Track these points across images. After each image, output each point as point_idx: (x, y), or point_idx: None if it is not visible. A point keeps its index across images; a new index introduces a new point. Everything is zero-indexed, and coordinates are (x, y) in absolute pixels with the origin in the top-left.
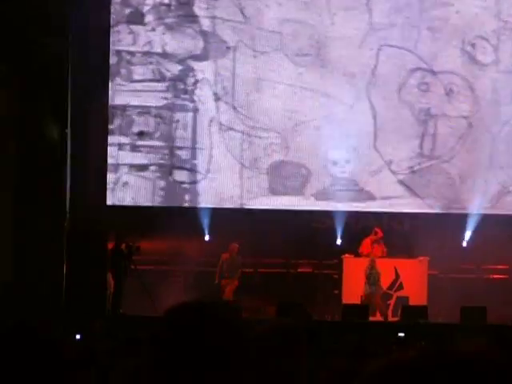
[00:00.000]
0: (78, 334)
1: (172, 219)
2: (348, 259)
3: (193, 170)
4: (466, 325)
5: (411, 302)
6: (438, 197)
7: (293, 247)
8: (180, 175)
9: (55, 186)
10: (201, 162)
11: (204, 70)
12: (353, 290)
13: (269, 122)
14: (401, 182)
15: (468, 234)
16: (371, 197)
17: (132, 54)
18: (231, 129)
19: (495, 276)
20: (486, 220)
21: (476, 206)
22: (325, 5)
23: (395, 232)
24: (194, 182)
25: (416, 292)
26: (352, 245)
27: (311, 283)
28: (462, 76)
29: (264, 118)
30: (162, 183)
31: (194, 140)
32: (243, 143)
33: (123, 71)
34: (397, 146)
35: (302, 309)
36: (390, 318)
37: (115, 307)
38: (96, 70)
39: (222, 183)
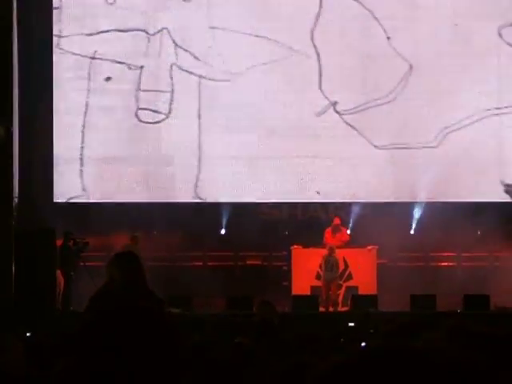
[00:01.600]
0: (28, 332)
1: (122, 214)
2: (297, 250)
3: (156, 111)
4: (416, 313)
5: (361, 292)
6: (382, 136)
7: (241, 239)
8: (145, 115)
9: (1, 184)
10: (162, 104)
11: (164, 19)
12: (302, 281)
13: (223, 67)
14: (346, 122)
15: (415, 222)
16: (317, 136)
17: (96, 6)
18: (191, 73)
19: (443, 263)
20: (432, 207)
21: (421, 144)
22: None
23: (343, 222)
24: (157, 122)
25: (365, 281)
26: (300, 236)
27: (260, 275)
28: (403, 19)
29: (219, 63)
30: (126, 125)
31: (156, 83)
32: (200, 86)
33: (88, 22)
34: (341, 89)
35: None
36: (340, 308)
37: (65, 305)
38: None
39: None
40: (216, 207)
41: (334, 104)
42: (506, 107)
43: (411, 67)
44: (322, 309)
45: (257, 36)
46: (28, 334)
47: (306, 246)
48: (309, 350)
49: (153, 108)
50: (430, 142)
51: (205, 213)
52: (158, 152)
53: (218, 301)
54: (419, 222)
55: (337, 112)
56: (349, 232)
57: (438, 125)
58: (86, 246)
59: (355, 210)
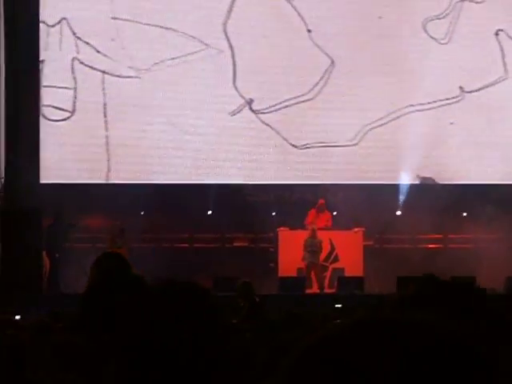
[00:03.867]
0: (17, 315)
1: (108, 195)
2: (283, 232)
3: (60, 109)
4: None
5: (347, 274)
6: (301, 136)
7: (227, 221)
8: (49, 113)
9: None
10: (66, 101)
11: (63, 8)
12: (289, 263)
13: (130, 62)
14: (262, 122)
15: (401, 204)
16: (232, 136)
17: None
18: (93, 68)
19: (430, 245)
20: (418, 189)
21: (340, 142)
22: None
23: (330, 203)
24: (62, 120)
25: (352, 263)
26: (287, 218)
27: (247, 257)
28: (325, 10)
29: (125, 59)
30: None
31: (58, 79)
32: (105, 82)
33: None
34: (257, 86)
35: (247, 284)
36: (327, 290)
37: (53, 286)
38: None
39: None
40: (203, 188)
41: (250, 102)
42: (428, 103)
43: (333, 62)
44: (308, 290)
45: (165, 28)
46: (17, 317)
47: (292, 227)
48: (296, 330)
49: (57, 105)
50: (351, 140)
51: (192, 194)
52: None
53: (205, 282)
54: (405, 203)
55: (252, 111)
56: (334, 213)
57: (358, 122)
58: (73, 227)
59: (342, 192)
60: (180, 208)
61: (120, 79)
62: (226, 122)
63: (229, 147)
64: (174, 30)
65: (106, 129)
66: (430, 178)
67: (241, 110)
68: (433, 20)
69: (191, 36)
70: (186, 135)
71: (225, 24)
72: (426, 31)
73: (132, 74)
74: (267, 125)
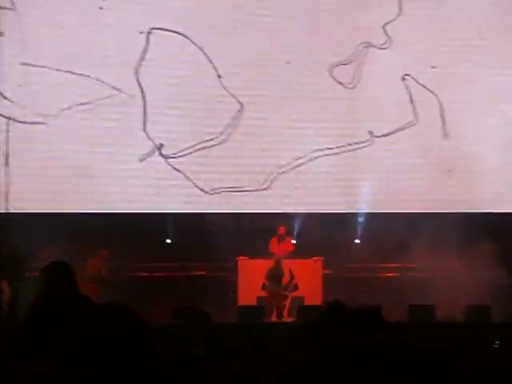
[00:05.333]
0: None
1: (65, 224)
2: (243, 261)
3: None
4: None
5: (306, 302)
6: (211, 180)
7: (186, 250)
8: None
9: None
10: None
11: None
12: (248, 292)
13: (36, 108)
14: (173, 167)
15: (360, 232)
16: (140, 183)
17: None
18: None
19: (389, 274)
20: (378, 217)
21: (252, 187)
22: None
23: (288, 232)
24: None
25: (311, 292)
26: (247, 246)
27: (206, 286)
28: (232, 59)
29: (31, 104)
30: None
31: None
32: (9, 128)
33: None
34: (167, 130)
35: (201, 312)
36: (286, 319)
37: (11, 316)
38: None
39: None
40: (161, 217)
41: (160, 147)
42: (338, 147)
43: (242, 107)
44: (268, 319)
45: (75, 74)
46: None
47: (252, 256)
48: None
49: None
50: (261, 185)
51: (150, 223)
52: None
53: (163, 311)
54: (365, 232)
55: (162, 156)
56: (294, 242)
57: (268, 167)
58: (33, 256)
59: (301, 220)
60: (138, 237)
61: (26, 126)
62: (136, 168)
63: (137, 196)
64: (85, 76)
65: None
66: None
67: (150, 155)
68: (338, 66)
69: (102, 81)
70: (93, 179)
71: (137, 69)
72: (332, 76)
73: (39, 119)
74: (177, 170)
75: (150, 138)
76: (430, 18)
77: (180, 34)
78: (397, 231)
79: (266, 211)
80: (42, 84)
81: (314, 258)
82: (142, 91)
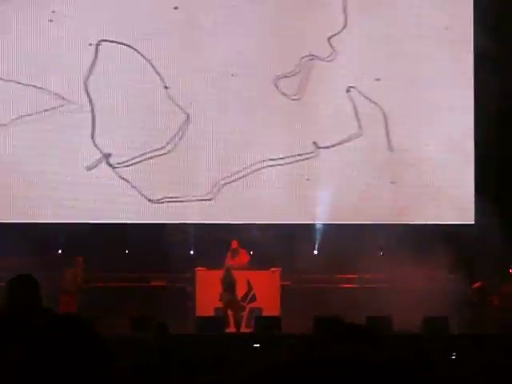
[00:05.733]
0: None
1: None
2: (201, 272)
3: None
4: (320, 334)
5: (264, 313)
6: (157, 190)
7: (144, 260)
8: None
9: None
10: None
11: None
12: (206, 303)
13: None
14: (120, 176)
15: (318, 243)
16: (88, 192)
17: None
18: None
19: (346, 285)
20: (334, 229)
21: (196, 196)
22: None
23: (247, 243)
24: None
25: (269, 303)
26: (205, 257)
27: (164, 297)
28: (181, 68)
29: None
30: None
31: None
32: None
33: None
34: (115, 140)
35: (160, 324)
36: (244, 329)
37: None
38: None
39: None
40: (121, 227)
41: (107, 156)
42: (281, 158)
43: (188, 117)
44: (226, 330)
45: (24, 84)
46: None
47: (210, 267)
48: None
49: None
50: (206, 195)
51: (109, 233)
52: None
53: (121, 321)
54: (322, 243)
55: (110, 165)
56: (251, 253)
57: (213, 177)
58: None
59: (259, 231)
60: (96, 246)
61: None
62: (83, 177)
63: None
64: (34, 86)
65: None
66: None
67: (98, 164)
68: (283, 77)
69: (52, 92)
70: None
71: (86, 80)
72: (277, 87)
73: None
74: (124, 179)
75: (97, 148)
76: (374, 30)
77: (128, 45)
78: (353, 242)
79: (210, 221)
80: None
81: (272, 269)
82: (91, 101)
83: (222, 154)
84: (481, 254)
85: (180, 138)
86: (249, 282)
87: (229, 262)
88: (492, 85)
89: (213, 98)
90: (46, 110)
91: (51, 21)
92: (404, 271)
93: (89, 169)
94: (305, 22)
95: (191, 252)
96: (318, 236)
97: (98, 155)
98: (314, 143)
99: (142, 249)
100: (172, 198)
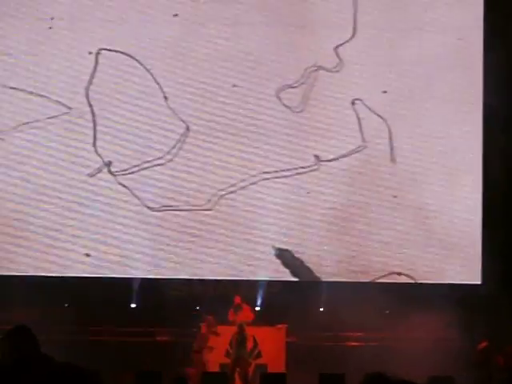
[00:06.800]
0: None
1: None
2: (209, 321)
3: None
4: None
5: (270, 370)
6: (156, 198)
7: (150, 315)
8: None
9: None
10: None
11: None
12: (212, 359)
13: None
14: (121, 184)
15: (324, 300)
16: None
17: None
18: None
19: (352, 343)
20: (340, 286)
21: (195, 206)
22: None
23: (252, 300)
24: None
25: (274, 360)
26: (211, 313)
27: (170, 352)
28: (178, 81)
29: None
30: None
31: None
32: None
33: None
34: (116, 148)
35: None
36: None
37: None
38: None
39: None
40: (128, 281)
41: (109, 164)
42: (282, 171)
43: (188, 128)
44: None
45: (28, 92)
46: None
47: (215, 323)
48: None
49: None
50: (204, 205)
51: (115, 286)
52: None
53: (127, 376)
54: (328, 300)
55: (111, 173)
56: (257, 309)
57: (212, 187)
58: None
59: (264, 288)
60: (103, 301)
61: None
62: (85, 183)
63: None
64: (37, 94)
65: None
66: (287, 251)
67: (99, 171)
68: (286, 89)
69: (52, 99)
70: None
71: (87, 88)
72: (279, 99)
73: None
74: (125, 186)
75: (99, 155)
76: (383, 42)
77: (128, 55)
78: (359, 300)
79: (208, 232)
80: None
81: (278, 326)
82: (92, 110)
83: (221, 165)
84: (486, 314)
85: (179, 148)
86: (254, 338)
87: (231, 317)
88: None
89: (213, 109)
90: (47, 118)
91: (51, 28)
92: (409, 329)
93: (90, 176)
94: (310, 31)
95: (197, 307)
96: (324, 293)
97: (100, 163)
98: (316, 156)
99: (147, 303)
100: (171, 206)
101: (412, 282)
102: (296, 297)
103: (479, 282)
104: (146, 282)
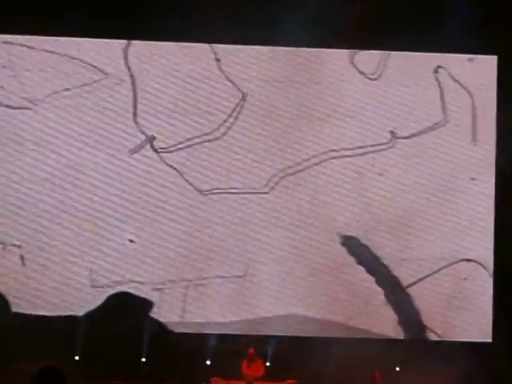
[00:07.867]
0: None
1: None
2: (217, 382)
3: None
4: None
5: None
6: (207, 179)
7: (161, 369)
8: None
9: None
10: None
11: None
12: None
13: (20, 91)
14: (165, 162)
15: (334, 356)
16: (130, 179)
17: None
18: None
19: None
20: (348, 343)
21: (252, 189)
22: None
23: (263, 355)
24: None
25: None
26: (221, 367)
27: None
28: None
29: (14, 87)
30: None
31: None
32: None
33: None
34: (160, 121)
35: None
36: None
37: None
38: None
39: None
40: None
41: (152, 139)
42: (352, 149)
43: (244, 97)
44: None
45: (59, 54)
46: None
47: (226, 377)
48: None
49: None
50: (262, 188)
51: (126, 340)
52: None
53: None
54: (339, 356)
55: (154, 150)
56: (268, 364)
57: (271, 168)
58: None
59: (274, 342)
60: (114, 354)
61: (11, 110)
62: (125, 161)
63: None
64: (71, 57)
65: None
66: (354, 238)
67: (141, 147)
68: (359, 53)
69: (89, 63)
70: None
71: (125, 51)
72: (352, 64)
73: (24, 104)
74: (170, 166)
75: (140, 129)
76: None
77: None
78: (369, 356)
79: (265, 219)
80: (27, 66)
81: (288, 381)
82: (132, 76)
83: (281, 141)
84: (497, 372)
85: (233, 122)
86: None
87: (245, 369)
88: None
89: (273, 74)
90: (85, 85)
91: None
92: None
93: (132, 152)
94: None
95: (207, 362)
96: (335, 349)
97: (141, 138)
98: (392, 132)
99: (158, 357)
100: (223, 189)
101: (438, 339)
102: (306, 351)
103: (490, 340)
104: (155, 336)
